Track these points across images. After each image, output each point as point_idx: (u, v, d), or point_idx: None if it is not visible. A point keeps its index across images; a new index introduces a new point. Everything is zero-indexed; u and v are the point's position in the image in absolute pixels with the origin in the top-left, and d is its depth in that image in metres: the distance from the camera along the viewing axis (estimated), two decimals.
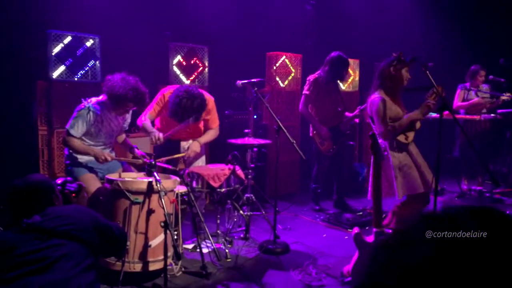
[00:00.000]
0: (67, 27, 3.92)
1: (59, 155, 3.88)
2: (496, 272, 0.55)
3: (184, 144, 3.75)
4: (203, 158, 3.84)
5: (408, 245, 0.61)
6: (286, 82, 5.27)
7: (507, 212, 0.75)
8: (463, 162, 5.24)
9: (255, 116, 4.81)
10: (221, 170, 3.43)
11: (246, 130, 3.81)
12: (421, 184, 3.17)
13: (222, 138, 3.96)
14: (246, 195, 3.80)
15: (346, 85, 5.91)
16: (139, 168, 3.41)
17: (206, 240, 3.35)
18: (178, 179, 3.03)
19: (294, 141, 3.24)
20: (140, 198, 2.73)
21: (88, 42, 3.99)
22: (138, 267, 2.74)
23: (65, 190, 2.12)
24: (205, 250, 3.18)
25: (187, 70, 4.67)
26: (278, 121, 3.35)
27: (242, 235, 3.73)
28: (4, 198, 1.88)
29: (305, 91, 4.43)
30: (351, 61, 5.87)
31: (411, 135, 3.28)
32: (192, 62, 4.72)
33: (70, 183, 2.15)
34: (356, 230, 2.76)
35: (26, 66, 3.96)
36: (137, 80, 3.15)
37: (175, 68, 4.60)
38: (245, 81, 3.59)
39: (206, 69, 4.82)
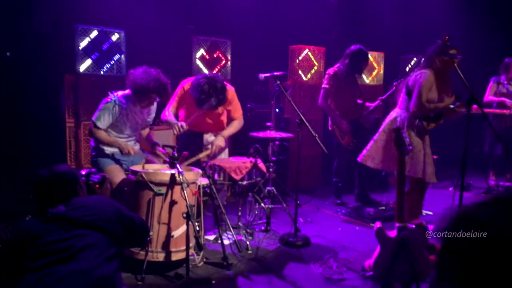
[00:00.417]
0: (94, 21, 4.01)
1: (86, 147, 3.98)
2: None
3: (207, 137, 3.79)
4: (226, 150, 3.87)
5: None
6: (308, 76, 5.22)
7: None
8: (491, 157, 5.09)
9: (277, 110, 4.80)
10: (243, 163, 3.44)
11: (268, 124, 3.81)
12: (420, 170, 3.24)
13: (244, 131, 3.97)
14: (268, 188, 3.80)
15: (370, 78, 5.81)
16: (163, 160, 3.46)
17: (228, 232, 3.38)
18: (200, 171, 3.07)
19: (316, 135, 3.22)
20: (163, 190, 2.78)
21: (113, 37, 4.06)
22: (161, 256, 2.80)
23: (89, 181, 2.16)
24: (226, 242, 3.21)
25: (210, 63, 4.70)
26: (300, 114, 3.33)
27: (263, 228, 3.74)
28: (31, 187, 1.94)
29: (324, 85, 4.39)
30: (375, 54, 5.78)
31: (432, 124, 3.30)
32: (215, 55, 4.74)
33: (94, 174, 2.20)
34: (378, 224, 2.73)
35: (54, 60, 4.07)
36: (158, 72, 3.20)
37: (198, 62, 4.63)
38: (268, 74, 3.59)
39: (229, 62, 4.83)
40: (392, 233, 2.67)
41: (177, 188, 2.80)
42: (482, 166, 5.27)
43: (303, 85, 5.18)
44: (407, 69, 6.11)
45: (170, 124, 3.44)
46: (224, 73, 4.81)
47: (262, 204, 3.65)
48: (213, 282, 2.74)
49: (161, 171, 3.06)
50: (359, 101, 4.48)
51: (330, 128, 4.53)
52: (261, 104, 4.93)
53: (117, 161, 3.30)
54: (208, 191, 3.12)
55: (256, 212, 3.76)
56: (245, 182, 3.44)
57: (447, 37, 3.17)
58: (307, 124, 3.28)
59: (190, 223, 2.61)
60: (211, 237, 3.47)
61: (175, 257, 2.84)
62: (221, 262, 2.97)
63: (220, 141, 3.57)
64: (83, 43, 3.91)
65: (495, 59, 5.18)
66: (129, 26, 4.21)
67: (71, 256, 1.75)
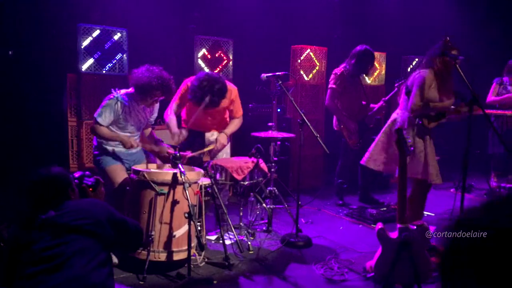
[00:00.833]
0: (96, 21, 4.02)
1: (88, 146, 4.00)
2: None
3: (208, 136, 3.80)
4: (228, 150, 3.88)
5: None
6: (310, 76, 5.23)
7: None
8: (493, 158, 5.09)
9: (279, 110, 4.81)
10: (245, 163, 3.45)
11: (269, 124, 3.82)
12: (421, 171, 3.20)
13: (246, 131, 3.98)
14: (269, 188, 3.81)
15: (371, 78, 5.82)
16: (164, 159, 3.47)
17: (229, 232, 3.39)
18: (202, 171, 3.08)
19: (318, 135, 3.23)
20: (165, 189, 2.79)
21: (116, 36, 4.07)
22: (162, 256, 2.81)
23: (83, 184, 2.11)
24: (228, 242, 3.22)
25: (212, 63, 4.71)
26: (302, 114, 3.34)
27: (264, 228, 3.75)
28: (22, 190, 1.89)
29: (331, 85, 4.40)
30: (377, 54, 5.78)
31: (433, 123, 3.27)
32: (216, 55, 4.75)
33: (88, 177, 2.15)
34: (379, 225, 2.74)
35: (56, 59, 4.09)
36: (161, 69, 3.21)
37: (199, 61, 4.64)
38: (270, 74, 3.60)
39: (231, 62, 4.84)
40: (394, 234, 2.68)
41: (179, 188, 2.81)
42: (483, 167, 5.27)
43: (304, 85, 5.19)
44: (409, 69, 6.12)
45: (170, 131, 3.45)
46: (225, 73, 4.82)
47: (264, 205, 3.66)
48: (215, 282, 2.75)
49: (163, 170, 3.08)
50: (364, 102, 4.49)
51: (336, 128, 4.54)
52: (262, 104, 4.94)
53: (120, 161, 3.31)
54: (210, 191, 3.13)
55: (258, 212, 3.77)
56: (246, 182, 3.45)
57: (448, 38, 3.16)
58: (309, 124, 3.29)
59: (192, 223, 2.62)
60: (213, 237, 3.48)
61: (177, 257, 2.85)
62: (223, 262, 2.98)
63: (223, 139, 3.61)
64: (86, 42, 3.93)
65: (498, 60, 5.18)
66: (131, 25, 4.22)
67: (62, 263, 1.71)
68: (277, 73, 3.55)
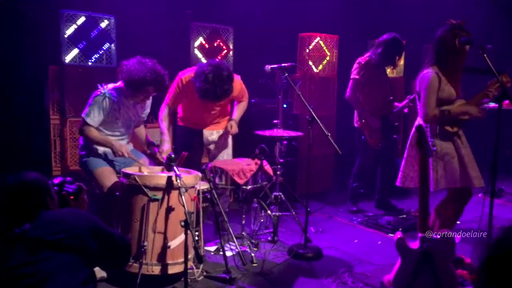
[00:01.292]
0: (81, 6, 4.02)
1: (73, 146, 4.01)
2: None
3: (207, 135, 3.81)
4: (229, 151, 3.89)
5: None
6: (320, 67, 5.23)
7: None
8: None
9: (285, 105, 4.81)
10: (247, 165, 3.46)
11: (275, 121, 3.82)
12: (459, 178, 3.12)
13: (249, 129, 3.98)
14: (275, 193, 3.82)
15: (389, 70, 5.80)
16: (159, 162, 3.48)
17: (230, 242, 3.40)
18: (199, 174, 3.08)
19: (329, 134, 3.23)
20: (159, 195, 2.80)
21: (102, 23, 4.08)
22: (156, 269, 2.82)
23: (63, 192, 2.08)
24: (228, 253, 3.23)
25: (210, 53, 4.71)
26: (311, 110, 3.34)
27: (269, 238, 3.76)
28: None
29: (354, 75, 4.40)
30: None
31: (455, 128, 3.19)
32: (215, 44, 4.76)
33: (69, 183, 2.12)
34: (398, 235, 2.74)
35: (37, 49, 4.09)
36: (154, 62, 3.23)
37: (196, 51, 4.65)
38: (275, 65, 3.60)
39: (231, 52, 4.85)
40: (415, 245, 2.68)
41: (174, 193, 2.82)
42: None
43: (314, 78, 5.18)
44: None
45: (161, 138, 3.53)
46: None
47: (269, 212, 3.66)
48: None
49: (157, 174, 3.08)
50: (390, 97, 4.47)
51: (356, 125, 4.54)
52: (267, 99, 4.94)
53: (109, 162, 3.32)
54: (208, 196, 3.14)
55: (262, 220, 3.77)
56: (249, 187, 3.46)
57: (453, 21, 3.05)
58: (319, 121, 3.29)
59: (188, 232, 2.63)
60: (212, 248, 3.49)
61: (172, 270, 2.86)
62: (223, 276, 2.98)
63: (235, 126, 3.72)
64: (69, 31, 3.94)
65: None
66: (120, 12, 4.23)
67: (39, 283, 1.69)
68: (283, 64, 3.56)
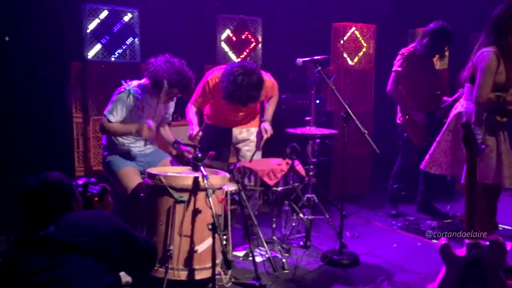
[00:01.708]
0: (103, 0, 4.12)
1: (96, 146, 4.12)
2: None
3: (236, 133, 3.85)
4: (259, 151, 3.91)
5: None
6: (356, 59, 5.19)
7: None
8: None
9: (317, 101, 4.80)
10: (278, 165, 3.47)
11: (307, 118, 3.82)
12: (493, 174, 3.12)
13: (279, 127, 3.99)
14: (307, 195, 3.81)
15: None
16: (185, 162, 3.54)
17: (260, 247, 3.42)
18: (227, 175, 3.12)
19: (366, 131, 3.21)
20: (185, 196, 2.84)
21: (126, 17, 4.17)
22: (183, 275, 2.87)
23: (87, 193, 2.13)
24: (258, 259, 3.25)
25: (237, 46, 4.75)
26: (346, 106, 3.32)
27: (301, 243, 3.76)
28: (17, 200, 1.90)
29: (396, 67, 4.36)
30: None
31: (508, 114, 3.18)
32: (243, 37, 4.79)
33: (93, 184, 2.17)
34: (443, 241, 2.70)
35: (59, 45, 4.21)
36: (182, 63, 3.28)
37: (223, 45, 4.69)
38: (306, 58, 3.59)
39: (260, 45, 4.87)
40: (461, 252, 2.63)
41: (201, 195, 2.86)
42: None
43: (349, 71, 5.15)
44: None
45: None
46: (254, 58, 4.86)
47: (301, 215, 3.67)
48: None
49: (183, 174, 3.14)
50: (438, 91, 4.40)
51: (399, 121, 4.49)
52: (298, 95, 4.94)
53: (133, 162, 3.40)
54: (236, 198, 3.17)
55: (294, 224, 3.78)
56: (280, 188, 3.47)
57: None
58: (355, 118, 3.27)
59: (216, 236, 2.67)
60: (241, 253, 3.53)
61: (199, 275, 2.90)
62: (253, 283, 3.00)
63: (269, 127, 3.72)
64: (92, 25, 4.05)
65: None
66: (144, 5, 4.31)
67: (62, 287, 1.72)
68: (316, 57, 3.55)
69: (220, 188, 3.01)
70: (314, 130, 3.76)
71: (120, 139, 3.39)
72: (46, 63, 4.20)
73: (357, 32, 5.14)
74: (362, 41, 5.20)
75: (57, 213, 1.88)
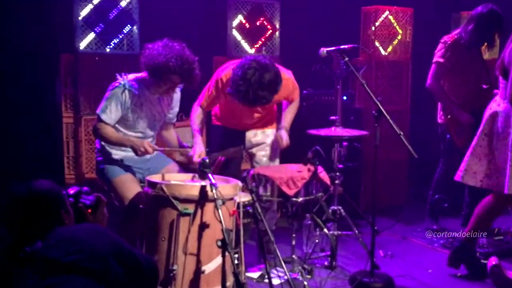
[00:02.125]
0: None
1: (89, 150, 4.16)
2: None
3: (250, 137, 3.85)
4: (277, 155, 3.91)
5: None
6: (389, 49, 5.17)
7: None
8: None
9: (345, 97, 4.78)
10: (298, 172, 3.46)
11: (332, 117, 3.80)
12: None
13: (300, 127, 3.98)
14: (332, 207, 3.80)
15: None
16: (189, 168, 3.55)
17: (277, 268, 3.41)
18: (240, 183, 3.12)
19: (402, 133, 3.19)
20: (191, 208, 2.85)
21: (123, 2, 4.22)
22: None
23: (79, 204, 2.14)
24: (275, 281, 3.24)
25: (251, 34, 4.76)
26: (379, 103, 3.30)
27: (326, 263, 3.75)
28: (2, 212, 1.92)
29: (437, 58, 4.32)
30: None
31: None
32: (257, 23, 4.80)
33: (86, 194, 2.18)
34: (493, 261, 2.67)
35: (46, 34, 4.26)
36: (183, 46, 3.29)
37: (234, 33, 4.71)
38: (332, 48, 3.59)
39: (277, 32, 4.87)
40: None
41: (209, 206, 2.86)
42: None
43: (381, 62, 5.13)
44: None
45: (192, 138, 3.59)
46: (270, 48, 4.86)
47: (325, 230, 3.65)
48: None
49: (188, 182, 3.14)
50: (485, 85, 4.36)
51: (440, 120, 4.45)
52: (322, 90, 4.93)
53: (130, 169, 3.43)
54: (250, 210, 3.17)
55: (317, 241, 3.76)
56: (301, 199, 3.46)
57: None
58: (388, 117, 3.25)
59: (226, 254, 2.67)
60: (255, 275, 3.52)
61: None
62: None
63: (286, 136, 3.70)
64: (84, 12, 4.10)
65: None
66: None
67: None
68: (342, 46, 3.54)
69: (232, 199, 3.01)
70: (340, 131, 3.74)
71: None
72: (32, 55, 4.24)
73: (391, 17, 5.12)
74: (397, 27, 5.17)
75: (45, 227, 1.89)
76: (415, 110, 5.35)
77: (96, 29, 4.13)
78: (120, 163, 3.43)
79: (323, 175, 3.57)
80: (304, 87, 4.87)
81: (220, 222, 2.65)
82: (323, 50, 3.63)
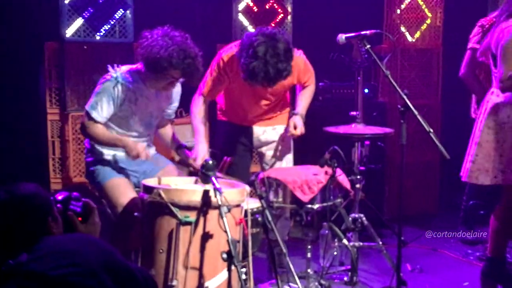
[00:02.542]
0: None
1: (77, 151, 4.18)
2: None
3: (259, 133, 3.85)
4: (289, 156, 3.92)
5: None
6: (417, 35, 5.17)
7: None
8: None
9: (366, 90, 4.78)
10: (314, 175, 3.47)
11: (352, 113, 3.80)
12: None
13: (315, 124, 3.98)
14: (353, 215, 3.80)
15: None
16: (191, 171, 3.57)
17: (290, 284, 3.41)
18: (247, 187, 3.13)
19: (431, 130, 3.18)
20: (192, 216, 2.86)
21: None
22: None
23: (68, 211, 2.13)
24: None
25: (260, 19, 4.76)
26: (405, 97, 3.30)
27: (346, 278, 3.74)
28: None
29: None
30: None
31: None
32: (267, 6, 4.81)
33: (76, 200, 2.17)
34: None
35: (28, 21, 4.26)
36: (186, 37, 3.29)
37: (241, 17, 4.72)
38: (351, 34, 3.58)
39: (289, 17, 4.87)
40: None
41: (212, 214, 2.87)
42: None
43: (408, 50, 5.14)
44: None
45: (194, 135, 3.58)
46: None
47: (345, 241, 3.65)
48: None
49: (188, 187, 3.16)
50: None
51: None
52: (340, 82, 4.94)
53: (124, 172, 3.44)
54: (260, 219, 3.18)
55: (335, 254, 3.77)
56: (317, 206, 3.46)
57: None
58: (416, 112, 3.24)
59: (233, 268, 2.68)
60: None
61: None
62: None
63: (300, 122, 3.68)
64: None
65: None
66: None
67: None
68: (363, 32, 3.53)
69: (238, 206, 3.02)
70: (362, 128, 3.74)
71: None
72: (11, 44, 4.25)
73: None
74: (426, 10, 5.17)
75: (31, 237, 1.90)
76: (446, 105, 5.34)
77: (84, 14, 4.15)
78: (112, 164, 3.44)
79: (342, 178, 3.57)
80: (320, 79, 4.86)
81: (226, 232, 2.66)
82: (342, 37, 3.63)
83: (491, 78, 3.59)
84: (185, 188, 3.08)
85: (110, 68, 3.38)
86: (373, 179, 4.37)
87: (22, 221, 1.90)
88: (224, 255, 2.65)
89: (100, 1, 4.20)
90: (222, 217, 2.70)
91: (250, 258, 3.13)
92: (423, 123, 3.20)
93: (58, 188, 4.17)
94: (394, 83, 3.38)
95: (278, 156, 3.85)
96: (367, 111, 4.11)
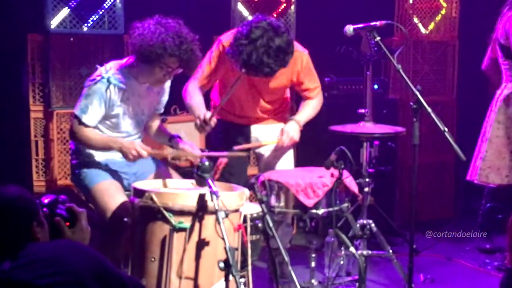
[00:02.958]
0: None
1: (62, 151, 4.18)
2: None
3: (256, 132, 3.85)
4: (290, 157, 3.92)
5: None
6: (431, 26, 5.17)
7: None
8: None
9: (376, 86, 4.78)
10: (318, 177, 3.47)
11: (360, 110, 3.80)
12: None
13: (320, 123, 3.98)
14: (361, 221, 3.80)
15: None
16: (185, 173, 3.57)
17: None
18: (246, 191, 3.13)
19: (446, 129, 3.18)
20: (187, 222, 2.86)
21: None
22: None
23: (55, 215, 2.12)
24: None
25: (261, 9, 4.75)
26: (418, 93, 3.30)
27: None
28: None
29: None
30: None
31: None
32: None
33: (63, 204, 2.16)
34: None
35: (8, 11, 4.27)
36: (179, 23, 3.29)
37: (240, 7, 4.72)
38: (360, 25, 3.58)
39: (292, 7, 4.87)
40: None
41: (209, 220, 2.87)
42: None
43: (421, 43, 5.15)
44: None
45: (193, 113, 3.54)
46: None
47: (352, 249, 3.66)
48: None
49: (182, 190, 3.16)
50: None
51: None
52: (348, 77, 4.94)
53: (113, 174, 3.44)
54: (260, 225, 3.18)
55: (342, 263, 3.77)
56: (322, 211, 3.47)
57: None
58: (430, 110, 3.25)
59: (230, 278, 2.68)
60: None
61: None
62: None
63: (294, 130, 3.64)
64: None
65: None
66: None
67: None
68: (373, 23, 3.53)
69: (237, 211, 3.02)
70: (371, 127, 3.75)
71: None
72: None
73: None
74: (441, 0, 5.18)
75: (14, 243, 1.90)
76: (462, 102, 5.34)
77: (70, 4, 4.14)
78: (100, 166, 3.44)
79: (350, 181, 3.57)
80: (326, 73, 4.87)
81: (223, 239, 2.67)
82: (350, 28, 3.63)
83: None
84: (179, 192, 3.09)
85: (98, 68, 3.38)
86: (383, 182, 4.36)
87: (5, 226, 1.90)
88: (221, 264, 2.65)
89: None
90: (219, 223, 2.70)
91: (250, 267, 3.13)
92: (437, 121, 3.20)
93: (42, 191, 4.16)
94: (406, 78, 3.38)
95: (278, 157, 3.85)
96: (376, 108, 4.11)
